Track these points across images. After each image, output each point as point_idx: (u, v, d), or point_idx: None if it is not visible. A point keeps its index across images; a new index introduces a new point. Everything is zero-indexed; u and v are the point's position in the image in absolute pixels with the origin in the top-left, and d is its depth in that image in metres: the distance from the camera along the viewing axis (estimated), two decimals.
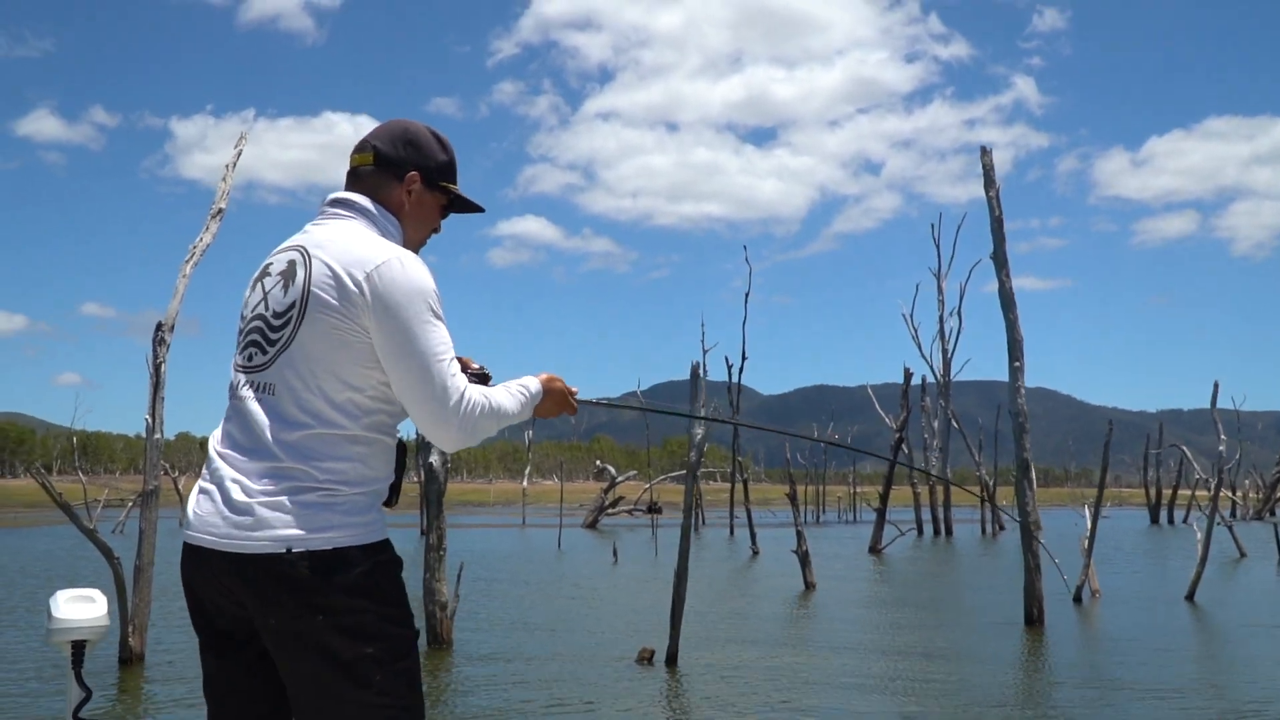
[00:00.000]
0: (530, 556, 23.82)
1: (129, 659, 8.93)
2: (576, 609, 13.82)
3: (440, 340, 2.27)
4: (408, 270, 2.26)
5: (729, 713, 7.55)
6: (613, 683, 8.63)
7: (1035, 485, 12.47)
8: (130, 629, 8.97)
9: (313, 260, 2.28)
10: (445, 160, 2.51)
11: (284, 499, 2.20)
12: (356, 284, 2.22)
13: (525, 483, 47.86)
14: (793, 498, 18.97)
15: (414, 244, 2.48)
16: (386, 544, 2.31)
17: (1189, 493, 49.43)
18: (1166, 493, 47.91)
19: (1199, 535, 15.50)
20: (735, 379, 28.54)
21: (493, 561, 21.50)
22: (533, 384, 2.51)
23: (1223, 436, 15.28)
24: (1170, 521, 45.45)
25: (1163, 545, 29.76)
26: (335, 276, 2.24)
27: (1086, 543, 15.24)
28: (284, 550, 2.18)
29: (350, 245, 2.28)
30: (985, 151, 12.82)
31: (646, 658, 9.54)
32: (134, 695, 8.10)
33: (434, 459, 10.76)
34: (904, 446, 30.60)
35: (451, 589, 10.67)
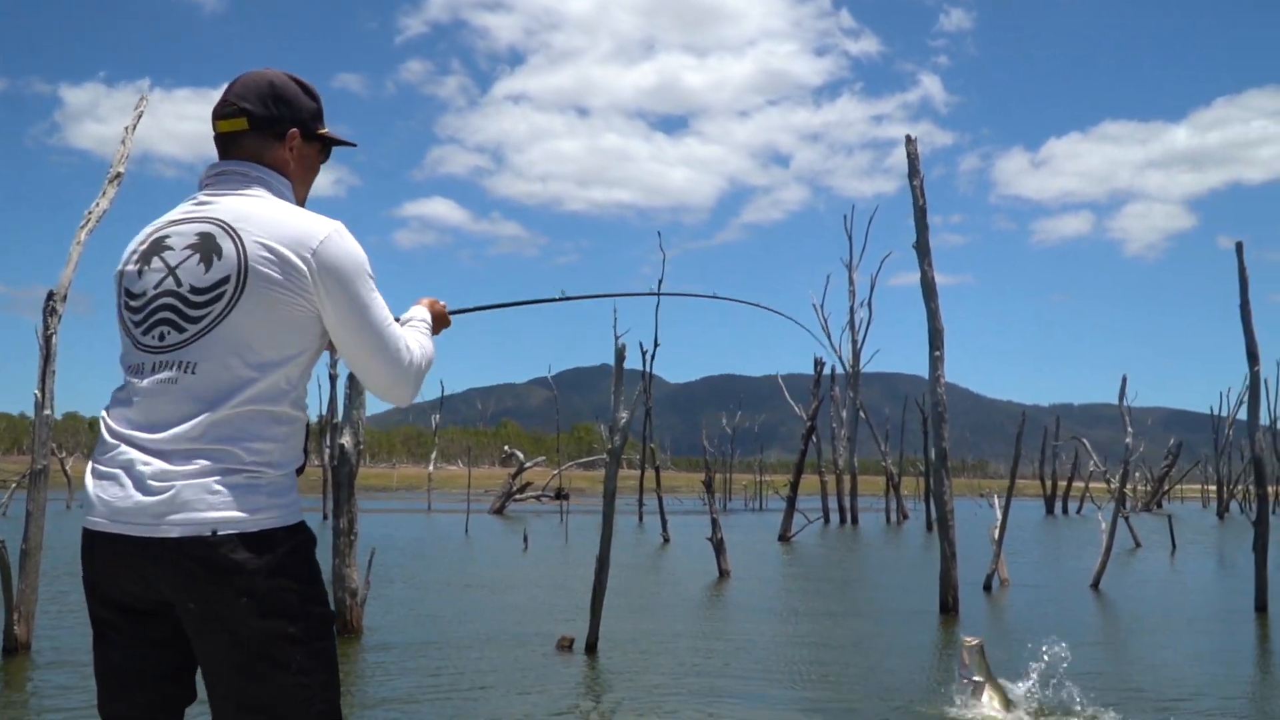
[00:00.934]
0: (437, 543, 23.37)
1: (14, 648, 8.37)
2: (489, 597, 13.51)
3: (384, 306, 2.33)
4: (347, 243, 2.27)
5: (651, 699, 7.35)
6: (533, 671, 8.36)
7: (951, 475, 12.53)
8: (15, 617, 8.40)
9: (240, 234, 2.21)
10: (316, 107, 2.48)
11: (210, 481, 2.13)
12: (304, 260, 2.19)
13: (431, 467, 47.19)
14: (709, 485, 18.91)
15: (302, 198, 2.47)
16: (305, 524, 2.31)
17: (1082, 484, 51.15)
18: (1061, 484, 49.39)
19: (1102, 525, 15.85)
20: (648, 366, 28.38)
21: (399, 547, 21.01)
22: (426, 314, 2.63)
23: (1129, 429, 15.65)
24: (1065, 512, 46.85)
25: (1060, 535, 30.57)
26: (275, 252, 2.19)
27: (996, 532, 15.45)
28: (209, 533, 2.12)
29: (279, 219, 2.25)
30: (910, 140, 12.83)
31: (566, 645, 9.30)
32: (20, 685, 7.58)
33: (345, 440, 10.33)
34: (814, 436, 30.83)
35: (362, 575, 10.28)
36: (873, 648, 9.93)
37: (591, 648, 9.22)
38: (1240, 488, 52.61)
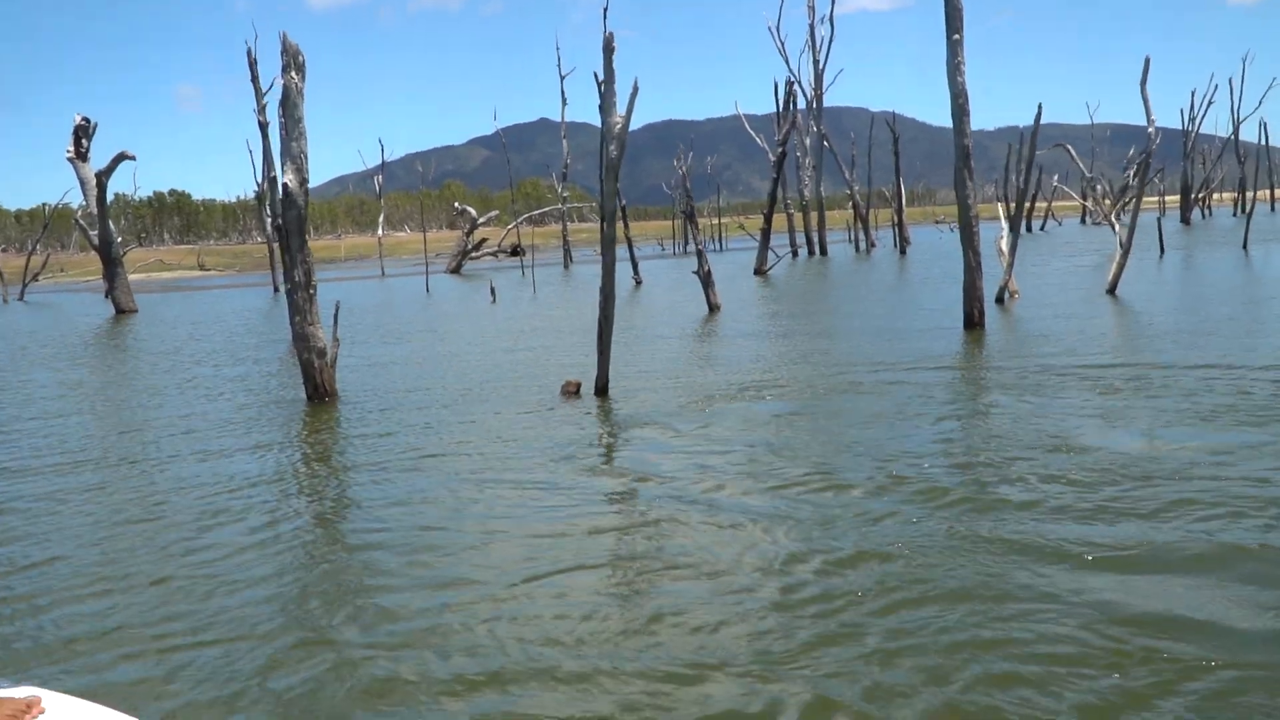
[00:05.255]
0: (400, 304, 22.09)
1: None
2: (470, 351, 12.36)
3: None
4: None
5: (675, 435, 6.31)
6: (546, 418, 7.26)
7: (974, 176, 11.24)
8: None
9: None
10: None
11: None
12: None
13: (380, 232, 45.30)
14: (690, 215, 17.58)
15: None
16: None
17: (1045, 204, 50.66)
18: (1026, 205, 48.70)
19: (1119, 232, 14.90)
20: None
21: (360, 311, 19.71)
22: None
23: (1151, 117, 14.32)
24: (1029, 229, 46.27)
25: (1036, 250, 29.89)
26: None
27: (1004, 243, 14.44)
28: None
29: None
30: None
31: (573, 390, 8.20)
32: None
33: (288, 178, 8.75)
34: (782, 165, 29.32)
35: (328, 334, 8.99)
36: (904, 367, 8.91)
37: (603, 391, 8.12)
38: (1203, 194, 52.37)
